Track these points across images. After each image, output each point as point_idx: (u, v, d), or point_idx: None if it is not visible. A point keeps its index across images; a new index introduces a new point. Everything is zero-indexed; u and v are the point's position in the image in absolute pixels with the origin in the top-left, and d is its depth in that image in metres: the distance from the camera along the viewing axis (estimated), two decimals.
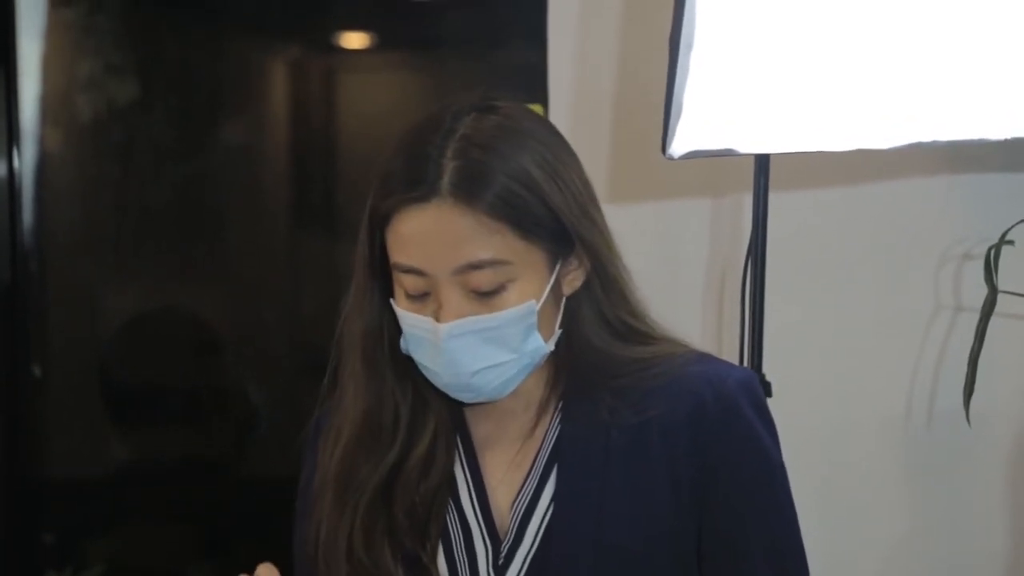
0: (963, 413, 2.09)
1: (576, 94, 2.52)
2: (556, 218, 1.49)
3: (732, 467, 1.50)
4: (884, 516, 2.36)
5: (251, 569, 1.50)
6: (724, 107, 1.91)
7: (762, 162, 2.05)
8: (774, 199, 2.07)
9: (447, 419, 1.57)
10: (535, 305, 1.48)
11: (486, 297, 1.47)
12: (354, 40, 3.28)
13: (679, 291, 2.44)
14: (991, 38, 1.93)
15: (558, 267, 1.51)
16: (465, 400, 1.52)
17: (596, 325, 1.54)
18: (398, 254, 1.48)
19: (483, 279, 1.46)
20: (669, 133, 1.91)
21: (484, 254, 1.46)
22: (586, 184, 1.53)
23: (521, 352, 1.49)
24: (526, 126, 1.51)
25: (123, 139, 3.34)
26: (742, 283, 2.10)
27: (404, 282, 1.49)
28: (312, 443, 1.63)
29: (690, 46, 1.86)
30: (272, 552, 3.33)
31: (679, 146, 1.93)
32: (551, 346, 1.52)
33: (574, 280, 1.53)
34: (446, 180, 1.45)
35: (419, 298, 1.49)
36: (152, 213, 3.34)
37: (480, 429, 1.58)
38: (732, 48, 1.88)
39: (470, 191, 1.45)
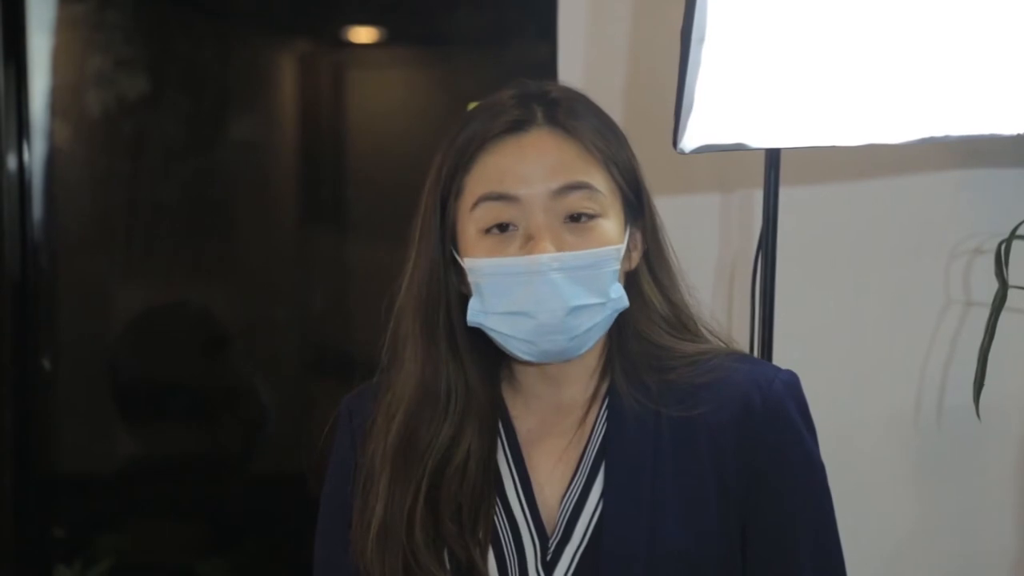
0: (973, 408, 2.09)
1: (586, 90, 2.50)
2: (636, 178, 1.52)
3: (778, 469, 1.51)
4: (894, 511, 2.36)
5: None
6: (735, 101, 1.91)
7: (773, 157, 2.05)
8: (784, 194, 2.07)
9: (490, 415, 1.55)
10: (621, 248, 1.49)
11: (579, 226, 1.47)
12: (363, 35, 3.28)
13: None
14: (1003, 33, 1.92)
15: (628, 230, 1.52)
16: (548, 348, 1.48)
17: (646, 312, 1.55)
18: (487, 185, 1.47)
19: (579, 201, 1.46)
20: (680, 127, 1.91)
21: (583, 177, 1.47)
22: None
23: (607, 297, 1.48)
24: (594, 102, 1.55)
25: (132, 134, 3.34)
26: (752, 278, 2.10)
27: (487, 213, 1.47)
28: (344, 424, 1.62)
29: (701, 40, 1.86)
30: (281, 547, 3.33)
31: (690, 140, 1.93)
32: (626, 301, 1.51)
33: (633, 258, 1.55)
34: (540, 115, 1.48)
35: (501, 234, 1.47)
36: (162, 208, 3.34)
37: (524, 424, 1.57)
38: (744, 42, 1.88)
39: (566, 124, 1.48)
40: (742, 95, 1.91)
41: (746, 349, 2.09)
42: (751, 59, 1.89)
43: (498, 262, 1.47)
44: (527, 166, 1.46)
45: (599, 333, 1.50)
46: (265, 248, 3.32)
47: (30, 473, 3.27)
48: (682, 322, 1.57)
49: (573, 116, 1.49)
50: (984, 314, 2.09)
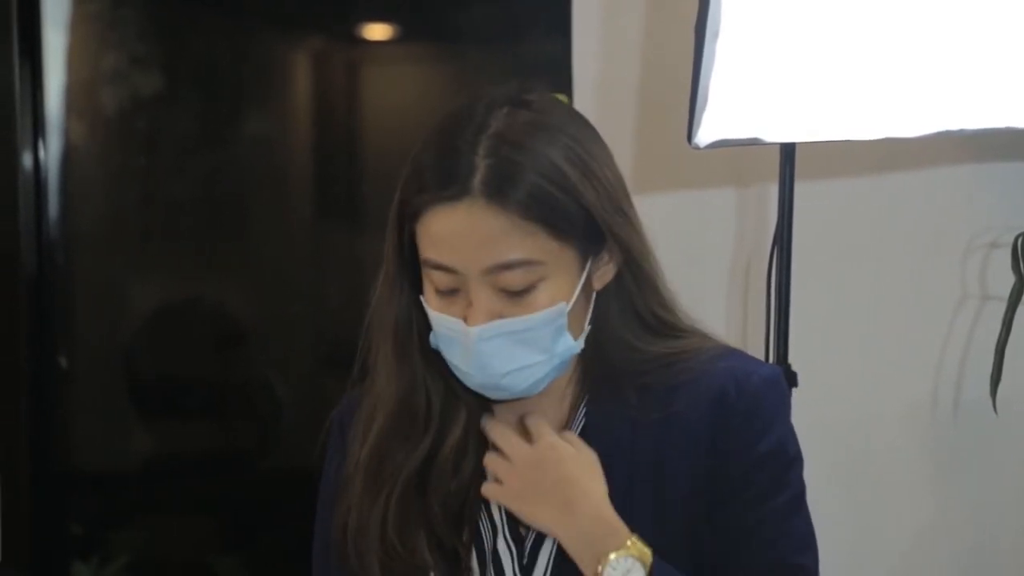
0: (990, 402, 2.08)
1: (601, 85, 2.51)
2: (589, 216, 1.47)
3: (742, 456, 1.49)
4: (910, 505, 2.36)
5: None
6: (750, 96, 1.91)
7: (788, 151, 2.05)
8: (800, 188, 2.07)
9: (477, 412, 1.56)
10: (565, 307, 1.48)
11: (516, 296, 1.46)
12: (377, 32, 3.29)
13: (704, 282, 2.43)
14: (1019, 27, 1.92)
15: (589, 264, 1.50)
16: (496, 398, 1.52)
17: (626, 320, 1.53)
18: (428, 251, 1.47)
19: (514, 279, 1.46)
20: (695, 122, 1.91)
21: (515, 254, 1.45)
22: (618, 178, 1.52)
23: (552, 353, 1.48)
24: (558, 121, 1.50)
25: (147, 131, 3.34)
26: (767, 273, 2.10)
27: (434, 278, 1.48)
28: (336, 435, 1.63)
29: (716, 34, 1.86)
30: (295, 544, 3.34)
31: (705, 135, 1.93)
32: (581, 344, 1.51)
33: (605, 275, 1.52)
34: (478, 179, 1.44)
35: (449, 295, 1.48)
36: (176, 205, 3.35)
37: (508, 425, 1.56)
38: (758, 36, 1.88)
39: (502, 191, 1.44)
40: (757, 89, 1.91)
41: (761, 344, 2.09)
42: (766, 53, 1.89)
43: (443, 321, 1.49)
44: (460, 243, 1.46)
45: (551, 378, 1.51)
46: (279, 244, 3.32)
47: (47, 470, 3.28)
48: (662, 320, 1.55)
49: (512, 178, 1.45)
50: (1001, 308, 2.09)
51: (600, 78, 2.52)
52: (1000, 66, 1.93)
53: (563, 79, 2.56)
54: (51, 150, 3.24)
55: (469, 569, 1.52)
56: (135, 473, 3.40)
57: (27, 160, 3.20)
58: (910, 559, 2.37)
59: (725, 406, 1.49)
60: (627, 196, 1.53)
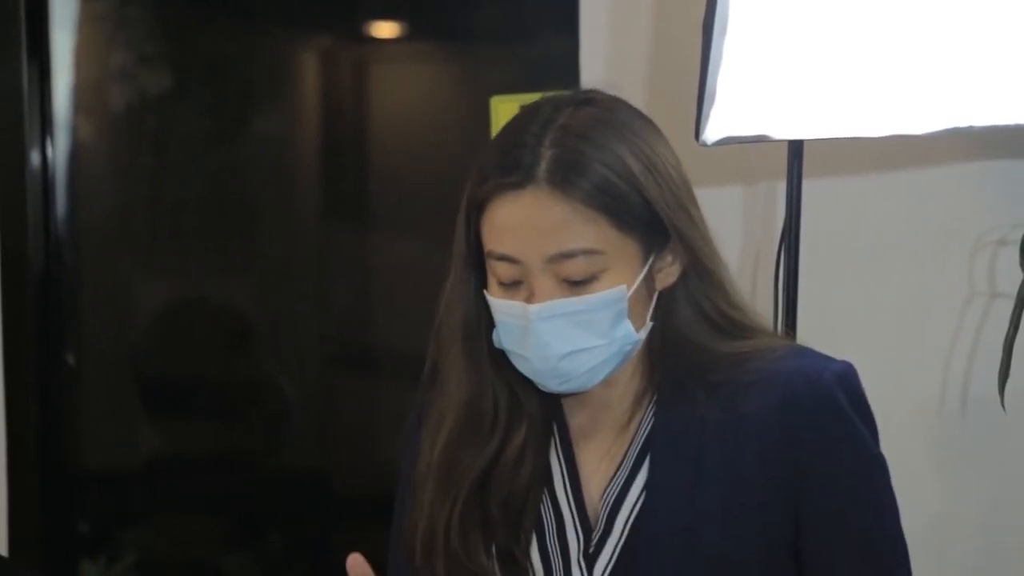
0: (998, 399, 2.08)
1: (608, 82, 2.51)
2: (652, 210, 1.49)
3: (825, 461, 1.50)
4: (918, 502, 2.35)
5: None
6: (758, 93, 1.91)
7: (796, 148, 2.05)
8: (807, 186, 2.07)
9: (542, 412, 1.57)
10: (625, 291, 1.49)
11: (577, 286, 1.48)
12: (385, 30, 3.29)
13: None
14: None
15: (652, 259, 1.51)
16: (554, 388, 1.52)
17: (692, 319, 1.54)
18: (492, 242, 1.49)
19: (575, 268, 1.47)
20: (702, 119, 1.92)
21: (578, 243, 1.47)
22: (683, 179, 1.54)
23: (611, 338, 1.49)
24: (624, 118, 1.52)
25: (155, 130, 3.35)
26: (775, 270, 2.10)
27: (497, 270, 1.50)
28: (413, 436, 1.64)
29: (723, 32, 1.86)
30: (303, 542, 3.33)
31: (712, 132, 1.93)
32: (642, 335, 1.52)
33: (668, 275, 1.53)
34: (543, 168, 1.47)
35: (511, 286, 1.50)
36: (184, 204, 3.35)
37: (576, 420, 1.58)
38: (766, 34, 1.88)
39: (567, 179, 1.46)
40: (764, 87, 1.91)
41: None
42: (773, 51, 1.89)
43: (503, 307, 1.51)
44: (523, 231, 1.48)
45: (608, 368, 1.52)
46: (287, 244, 3.32)
47: (55, 468, 3.28)
48: (730, 319, 1.56)
49: (577, 167, 1.47)
50: (1009, 305, 2.09)
51: (607, 76, 2.52)
52: (1008, 63, 1.93)
53: (571, 77, 2.57)
54: (59, 149, 3.25)
55: (526, 572, 1.53)
56: (143, 472, 3.40)
57: (35, 159, 3.21)
58: (918, 556, 2.36)
59: (796, 406, 1.50)
60: (691, 195, 1.55)
